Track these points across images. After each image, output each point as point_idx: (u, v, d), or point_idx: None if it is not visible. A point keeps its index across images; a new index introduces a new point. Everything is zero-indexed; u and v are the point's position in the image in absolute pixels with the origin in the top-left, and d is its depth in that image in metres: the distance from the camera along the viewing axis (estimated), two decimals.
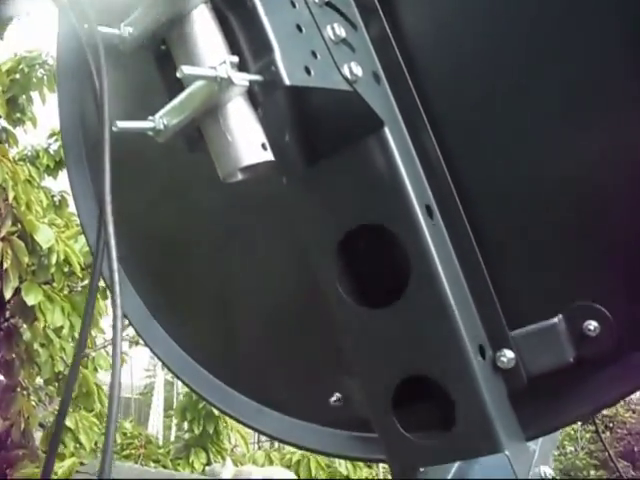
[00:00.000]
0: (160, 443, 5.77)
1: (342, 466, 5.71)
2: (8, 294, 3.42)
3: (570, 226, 0.87)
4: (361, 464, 5.94)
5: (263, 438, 16.39)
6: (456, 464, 0.90)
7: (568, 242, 0.87)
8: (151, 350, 1.25)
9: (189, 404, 4.80)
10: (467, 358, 0.83)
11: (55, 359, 4.60)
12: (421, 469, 0.97)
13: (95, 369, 5.40)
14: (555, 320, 0.86)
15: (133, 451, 4.80)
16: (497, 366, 0.87)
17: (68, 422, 4.26)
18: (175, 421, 7.06)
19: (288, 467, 5.56)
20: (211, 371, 1.21)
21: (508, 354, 0.87)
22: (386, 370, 0.88)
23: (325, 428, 1.09)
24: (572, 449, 14.60)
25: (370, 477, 6.01)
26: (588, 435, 14.03)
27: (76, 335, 4.54)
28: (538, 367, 0.88)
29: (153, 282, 1.27)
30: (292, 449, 6.03)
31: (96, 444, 4.44)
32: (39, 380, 4.80)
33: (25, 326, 4.07)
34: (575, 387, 0.89)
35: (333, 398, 1.01)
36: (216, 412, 4.72)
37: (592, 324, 0.84)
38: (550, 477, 0.93)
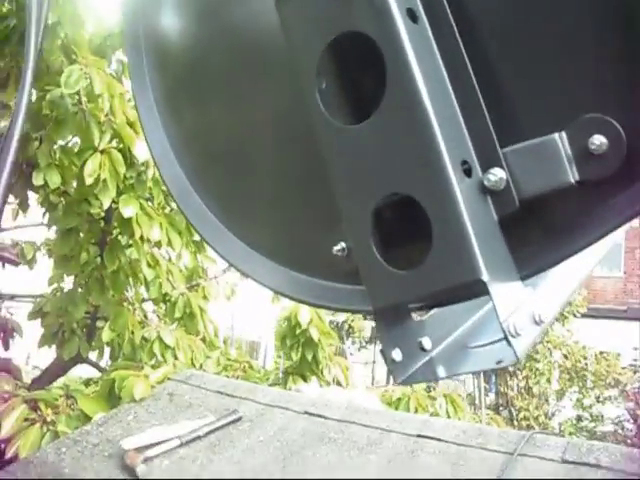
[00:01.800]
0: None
1: (442, 408, 5.61)
2: (106, 204, 3.53)
3: (578, 19, 0.73)
4: (462, 407, 5.80)
5: (377, 378, 16.97)
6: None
7: (575, 40, 0.74)
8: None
9: (288, 331, 4.83)
10: (445, 175, 0.72)
11: (161, 279, 4.78)
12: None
13: (205, 297, 5.58)
14: (555, 135, 0.73)
15: (232, 372, 4.93)
16: (485, 187, 0.76)
17: (168, 339, 4.42)
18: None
19: (388, 404, 5.54)
20: (220, 219, 1.14)
21: (498, 173, 0.75)
22: (364, 190, 0.80)
23: (324, 281, 1.01)
24: None
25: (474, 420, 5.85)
26: None
27: (174, 251, 4.68)
28: (533, 188, 0.76)
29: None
30: (395, 387, 6.00)
31: (192, 361, 4.58)
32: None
33: (128, 241, 4.22)
34: (576, 213, 0.76)
35: (337, 247, 0.92)
36: (315, 339, 4.73)
37: (599, 139, 0.71)
38: (546, 321, 0.78)
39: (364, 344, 17.06)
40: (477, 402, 11.63)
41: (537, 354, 11.60)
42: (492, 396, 12.95)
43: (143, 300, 5.20)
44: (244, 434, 2.73)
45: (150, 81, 1.19)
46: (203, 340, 5.43)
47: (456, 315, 1.01)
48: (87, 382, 4.99)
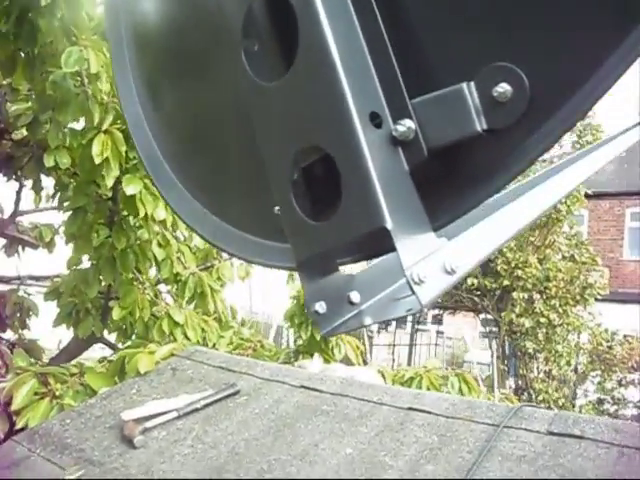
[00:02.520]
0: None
1: (455, 388, 5.62)
2: (109, 182, 3.59)
3: None
4: (476, 386, 5.80)
5: (400, 360, 17.00)
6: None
7: None
8: None
9: (297, 309, 4.87)
10: (352, 126, 0.74)
11: (172, 259, 4.85)
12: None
13: (219, 278, 5.65)
14: (463, 85, 0.76)
15: (242, 351, 4.99)
16: (394, 137, 0.78)
17: (178, 317, 4.49)
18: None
19: (401, 384, 5.55)
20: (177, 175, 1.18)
21: (406, 123, 0.77)
22: (281, 144, 0.83)
23: (265, 240, 1.04)
24: None
25: (488, 398, 5.85)
26: None
27: (182, 231, 4.74)
28: (441, 138, 0.79)
29: None
30: (406, 368, 6.01)
31: (204, 340, 4.65)
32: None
33: (137, 222, 4.28)
34: (486, 161, 0.79)
35: (277, 207, 0.95)
36: None
37: (503, 87, 0.73)
38: (459, 271, 0.80)
39: (384, 327, 17.09)
40: (495, 384, 11.65)
41: (556, 336, 11.53)
42: (512, 380, 12.90)
43: (158, 282, 5.28)
44: (240, 407, 2.78)
45: (129, 61, 1.22)
46: (219, 320, 5.51)
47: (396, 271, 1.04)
48: (102, 361, 5.10)
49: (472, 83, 0.76)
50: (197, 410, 2.79)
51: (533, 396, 11.54)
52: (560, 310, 11.34)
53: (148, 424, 2.70)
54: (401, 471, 2.13)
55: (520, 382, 12.13)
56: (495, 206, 0.91)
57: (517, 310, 11.24)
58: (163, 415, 2.76)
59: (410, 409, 2.45)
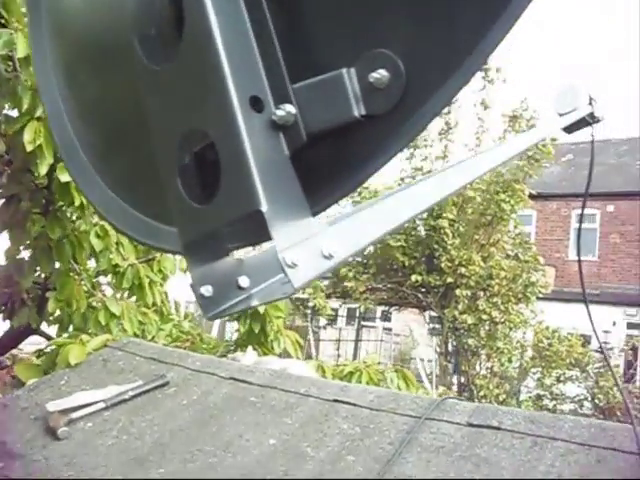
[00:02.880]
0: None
1: (394, 383, 5.68)
2: (43, 170, 3.52)
3: None
4: (415, 382, 5.87)
5: (343, 353, 17.11)
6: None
7: None
8: None
9: None
10: (231, 110, 0.75)
11: (111, 251, 4.78)
12: None
13: (160, 270, 5.58)
14: (343, 71, 0.78)
15: (180, 344, 4.95)
16: (275, 122, 0.79)
17: (114, 308, 4.43)
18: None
19: (341, 379, 5.59)
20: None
21: (287, 108, 0.79)
22: (167, 127, 0.84)
23: (157, 223, 1.04)
24: None
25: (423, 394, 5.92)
26: None
27: None
28: (321, 123, 0.81)
29: None
30: (347, 362, 6.04)
31: (143, 332, 4.60)
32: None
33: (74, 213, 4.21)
34: (365, 146, 0.80)
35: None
36: (261, 310, 4.76)
37: (380, 73, 0.76)
38: (337, 256, 0.81)
39: (329, 322, 17.17)
40: (436, 380, 11.84)
41: (498, 333, 11.77)
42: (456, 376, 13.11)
43: (98, 273, 5.19)
44: (168, 398, 2.76)
45: (49, 45, 1.20)
46: (160, 313, 5.46)
47: None
48: (38, 352, 5.00)
49: (352, 69, 0.77)
50: (125, 401, 2.77)
51: (475, 392, 11.76)
52: (502, 308, 11.56)
53: (74, 415, 2.66)
54: (322, 462, 2.15)
55: (463, 379, 12.33)
56: (384, 197, 0.93)
57: (460, 307, 11.41)
58: (90, 406, 2.72)
59: (335, 401, 2.47)
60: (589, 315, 2.18)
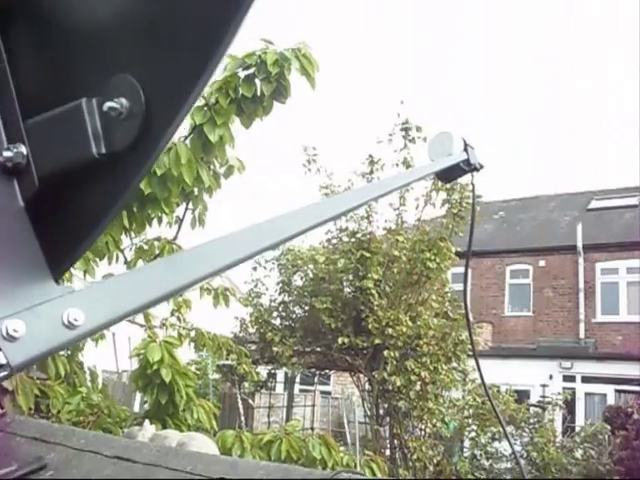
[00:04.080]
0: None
1: (316, 450, 5.50)
2: None
3: None
4: (336, 447, 5.69)
5: (279, 419, 16.62)
6: None
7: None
8: None
9: (141, 370, 4.58)
10: None
11: None
12: None
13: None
14: (82, 102, 0.66)
15: (82, 418, 4.64)
16: (4, 165, 0.64)
17: (6, 383, 4.12)
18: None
19: (260, 448, 5.36)
20: None
21: (18, 148, 0.67)
22: None
23: None
24: None
25: (349, 462, 5.72)
26: None
27: None
28: (54, 163, 0.65)
29: None
30: (265, 430, 5.80)
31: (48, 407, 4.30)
32: None
33: None
34: (104, 189, 0.65)
35: None
36: (167, 380, 4.51)
37: (121, 101, 0.64)
38: (82, 324, 0.66)
39: (258, 388, 16.76)
40: (368, 444, 11.56)
41: (428, 394, 11.64)
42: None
43: None
44: None
45: None
46: (73, 384, 5.17)
47: None
48: None
49: (93, 100, 0.64)
50: None
51: (408, 455, 11.54)
52: (431, 367, 11.47)
53: None
54: None
55: (395, 441, 12.09)
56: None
57: (389, 369, 11.26)
58: None
59: (222, 479, 2.27)
60: (479, 369, 2.10)
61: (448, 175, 1.73)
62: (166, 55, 0.62)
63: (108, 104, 0.62)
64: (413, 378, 11.07)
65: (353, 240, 12.16)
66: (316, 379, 19.20)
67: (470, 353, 11.67)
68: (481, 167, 1.75)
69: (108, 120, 0.63)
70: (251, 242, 0.81)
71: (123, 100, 0.62)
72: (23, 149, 0.65)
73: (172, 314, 6.63)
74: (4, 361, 0.61)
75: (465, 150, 1.68)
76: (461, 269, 14.99)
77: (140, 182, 0.65)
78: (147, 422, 3.52)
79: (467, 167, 1.70)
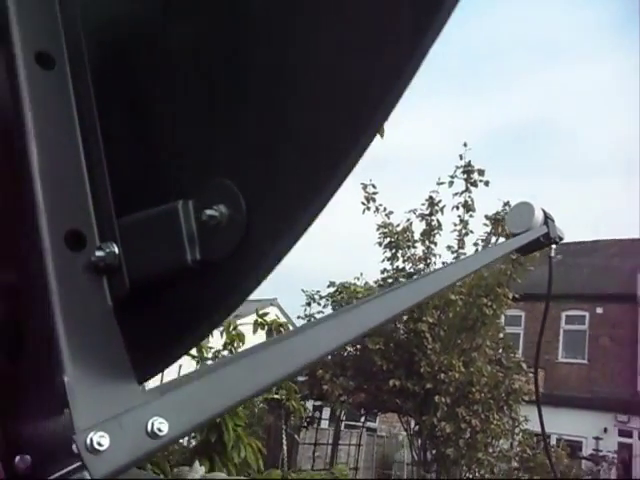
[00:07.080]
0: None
1: None
2: None
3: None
4: None
5: (323, 455, 16.38)
6: None
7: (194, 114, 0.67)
8: None
9: None
10: (40, 247, 0.60)
11: None
12: None
13: None
14: (178, 204, 0.63)
15: None
16: (95, 264, 0.63)
17: None
18: None
19: None
20: None
21: (110, 247, 0.64)
22: None
23: None
24: None
25: None
26: None
27: None
28: (147, 267, 0.63)
29: None
30: (311, 471, 5.73)
31: None
32: None
33: None
34: (199, 297, 0.64)
35: None
36: (217, 420, 4.50)
37: (220, 208, 0.61)
38: (166, 433, 0.64)
39: (306, 424, 16.61)
40: None
41: (478, 443, 11.32)
42: None
43: None
44: None
45: None
46: None
47: None
48: None
49: (190, 202, 0.63)
50: None
51: None
52: (482, 416, 11.18)
53: None
54: None
55: None
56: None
57: (439, 414, 11.03)
58: None
59: None
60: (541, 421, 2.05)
61: (527, 249, 1.70)
62: (278, 171, 0.60)
63: (208, 212, 0.60)
64: (463, 426, 10.81)
65: None
66: (363, 418, 18.92)
67: (523, 403, 11.36)
68: (560, 240, 1.71)
69: (205, 226, 0.62)
70: (334, 334, 0.78)
71: (222, 207, 0.61)
72: (115, 249, 0.63)
73: (225, 347, 6.65)
74: (88, 477, 0.59)
75: (545, 223, 1.64)
76: (513, 312, 14.59)
77: (240, 296, 0.63)
78: (197, 463, 3.51)
79: (547, 240, 1.66)
